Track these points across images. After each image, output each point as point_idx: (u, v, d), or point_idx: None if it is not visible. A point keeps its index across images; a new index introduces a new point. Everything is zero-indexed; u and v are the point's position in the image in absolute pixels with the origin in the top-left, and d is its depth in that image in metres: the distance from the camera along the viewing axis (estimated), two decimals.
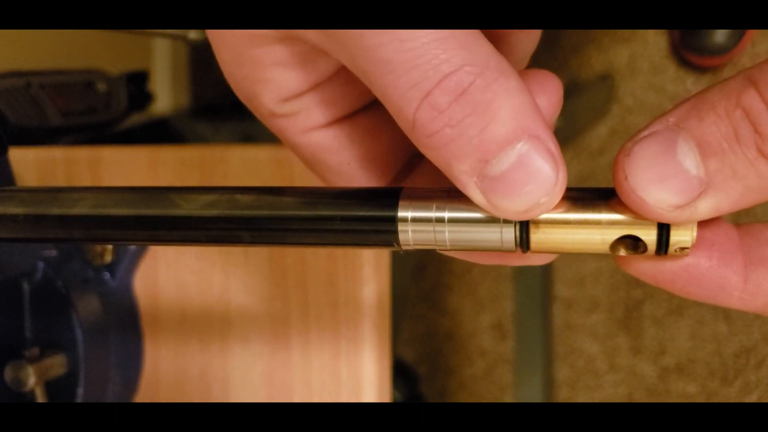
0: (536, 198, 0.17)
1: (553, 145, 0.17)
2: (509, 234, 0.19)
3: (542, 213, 0.18)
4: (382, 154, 0.24)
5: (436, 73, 0.16)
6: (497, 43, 0.24)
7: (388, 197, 0.19)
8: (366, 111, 0.24)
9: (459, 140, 0.17)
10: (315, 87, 0.22)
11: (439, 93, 0.16)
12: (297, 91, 0.21)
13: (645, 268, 0.19)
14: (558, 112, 0.23)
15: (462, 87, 0.16)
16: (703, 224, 0.18)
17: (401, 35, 0.16)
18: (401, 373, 1.08)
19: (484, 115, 0.16)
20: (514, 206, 0.17)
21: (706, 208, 0.17)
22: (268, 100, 0.21)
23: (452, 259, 0.25)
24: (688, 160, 0.16)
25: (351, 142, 0.23)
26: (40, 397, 0.39)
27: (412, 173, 0.25)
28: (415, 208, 0.19)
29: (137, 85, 0.74)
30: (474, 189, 0.17)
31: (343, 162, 0.23)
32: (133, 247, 0.44)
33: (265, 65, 0.20)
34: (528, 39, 0.23)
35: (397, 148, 0.24)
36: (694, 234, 0.18)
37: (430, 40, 0.16)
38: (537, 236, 0.18)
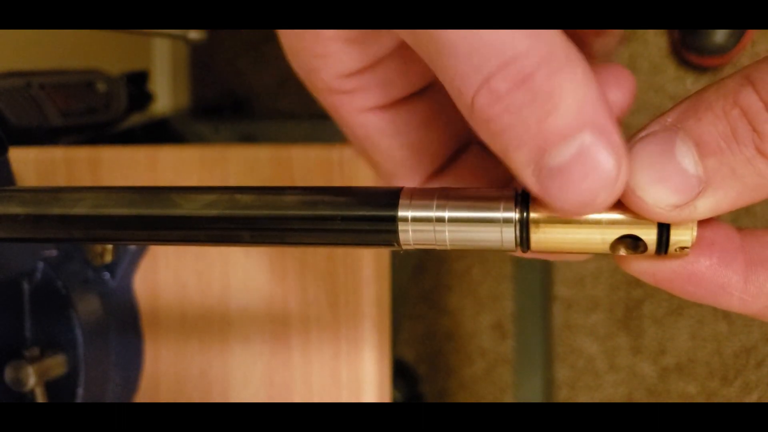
0: (594, 194, 0.16)
1: (618, 138, 0.16)
2: (509, 234, 0.19)
3: (599, 211, 0.17)
4: (433, 142, 0.23)
5: (499, 59, 0.16)
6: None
7: (388, 197, 0.19)
8: (422, 96, 0.23)
9: (517, 128, 0.16)
10: (375, 65, 0.21)
11: (500, 78, 0.16)
12: (357, 67, 0.21)
13: (645, 268, 0.19)
14: (629, 107, 0.23)
15: (524, 74, 0.16)
16: (703, 224, 0.18)
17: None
18: (401, 373, 1.08)
19: (546, 105, 0.16)
20: (570, 200, 0.17)
21: (705, 207, 0.17)
22: (327, 75, 0.21)
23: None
24: (687, 159, 0.16)
25: (405, 127, 0.23)
26: (40, 397, 0.39)
27: (456, 164, 0.24)
28: (415, 208, 0.19)
29: (137, 85, 0.74)
30: (531, 179, 0.17)
31: (395, 146, 0.23)
32: (133, 247, 0.44)
33: (324, 39, 0.20)
34: (603, 39, 0.23)
35: (449, 137, 0.24)
36: (694, 233, 0.18)
37: (497, 31, 0.16)
38: (537, 236, 0.18)
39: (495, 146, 0.17)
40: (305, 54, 0.21)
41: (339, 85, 0.21)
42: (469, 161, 0.24)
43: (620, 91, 0.22)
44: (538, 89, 0.16)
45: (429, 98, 0.23)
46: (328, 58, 0.20)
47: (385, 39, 0.21)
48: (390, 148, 0.23)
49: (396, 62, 0.22)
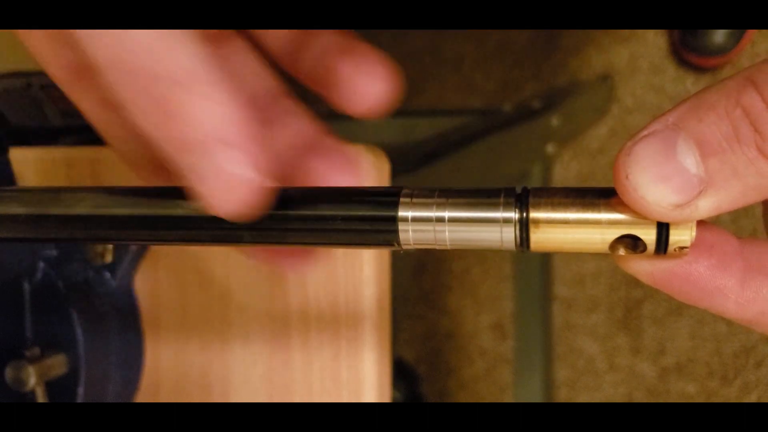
0: (230, 196, 0.19)
1: (247, 146, 0.19)
2: (509, 233, 0.19)
3: (241, 206, 0.19)
4: None
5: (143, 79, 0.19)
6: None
7: (388, 197, 0.19)
8: None
9: (160, 131, 0.19)
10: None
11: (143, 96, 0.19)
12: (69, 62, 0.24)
13: (643, 268, 0.19)
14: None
15: (158, 87, 0.18)
16: (702, 227, 0.18)
17: (118, 43, 0.19)
18: (401, 373, 1.08)
19: (176, 117, 0.18)
20: (213, 200, 0.19)
21: (706, 206, 0.17)
22: (53, 68, 0.24)
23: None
24: (688, 159, 0.16)
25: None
26: (41, 397, 0.39)
27: None
28: (415, 208, 0.19)
29: None
30: (183, 171, 0.19)
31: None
32: (133, 247, 0.44)
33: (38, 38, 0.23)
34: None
35: None
36: (693, 234, 0.18)
37: (143, 49, 0.18)
38: (537, 236, 0.19)
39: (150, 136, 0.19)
40: (32, 51, 0.24)
41: (65, 76, 0.24)
42: None
43: (345, 174, 0.24)
44: (170, 106, 0.18)
45: None
46: (46, 54, 0.23)
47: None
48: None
49: None
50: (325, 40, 0.25)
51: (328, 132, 0.25)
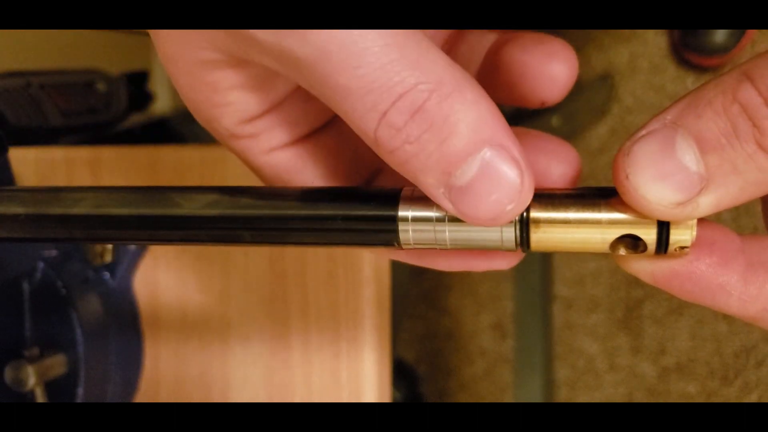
0: (502, 206, 0.17)
1: (517, 151, 0.17)
2: (509, 233, 0.19)
3: (510, 219, 0.18)
4: (345, 171, 0.24)
5: (390, 95, 0.17)
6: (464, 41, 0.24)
7: (388, 197, 0.19)
8: (327, 129, 0.24)
9: (420, 155, 0.17)
10: (275, 107, 0.22)
11: (395, 112, 0.17)
12: (256, 112, 0.22)
13: (644, 267, 0.19)
14: (575, 180, 0.23)
15: (416, 105, 0.17)
16: (703, 225, 0.18)
17: (352, 62, 0.17)
18: (401, 373, 1.08)
19: (442, 130, 0.17)
20: (482, 214, 0.17)
21: (707, 203, 0.17)
22: (227, 123, 0.22)
23: None
24: (688, 156, 0.16)
25: (314, 161, 0.24)
26: (40, 397, 0.39)
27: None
28: (415, 208, 0.19)
29: (137, 85, 0.74)
30: (443, 199, 0.18)
31: (307, 181, 0.24)
32: (132, 247, 0.44)
33: (221, 89, 0.21)
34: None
35: (359, 164, 0.24)
36: (694, 233, 0.18)
37: (382, 64, 0.17)
38: (537, 235, 0.19)
39: (405, 174, 0.18)
40: (204, 105, 0.21)
41: (241, 130, 0.22)
42: (387, 180, 0.25)
43: (562, 164, 0.23)
44: (433, 117, 0.17)
45: (334, 129, 0.24)
46: (227, 107, 0.21)
47: (282, 83, 0.21)
48: (303, 183, 0.24)
49: (296, 102, 0.22)
50: (479, 38, 0.24)
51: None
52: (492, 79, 0.24)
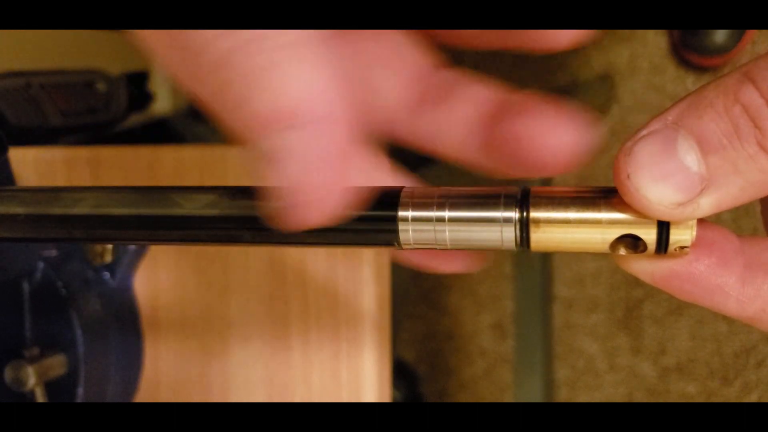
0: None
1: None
2: (509, 233, 0.19)
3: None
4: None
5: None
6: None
7: (388, 197, 0.19)
8: None
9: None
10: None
11: None
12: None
13: (644, 267, 0.19)
14: (565, 159, 0.21)
15: None
16: (702, 226, 0.18)
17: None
18: (401, 373, 1.08)
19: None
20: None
21: (708, 204, 0.17)
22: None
23: None
24: (689, 157, 0.16)
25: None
26: (40, 397, 0.39)
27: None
28: (415, 208, 0.19)
29: (137, 85, 0.74)
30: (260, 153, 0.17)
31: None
32: (132, 247, 0.44)
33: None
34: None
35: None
36: (694, 233, 0.18)
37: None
38: (537, 235, 0.18)
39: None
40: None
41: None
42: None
43: (568, 131, 0.21)
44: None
45: None
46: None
47: None
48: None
49: None
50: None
51: (515, 91, 0.22)
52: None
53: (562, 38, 0.21)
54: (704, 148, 0.16)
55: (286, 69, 0.16)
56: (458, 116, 0.23)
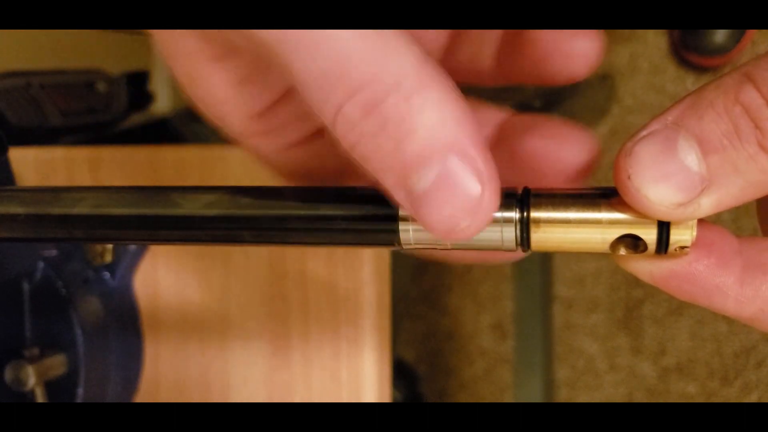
0: (456, 220, 0.16)
1: (482, 162, 0.16)
2: (510, 233, 0.19)
3: (468, 237, 0.17)
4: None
5: (346, 89, 0.16)
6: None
7: (389, 196, 0.19)
8: None
9: (377, 154, 0.16)
10: (281, 102, 0.21)
11: (351, 107, 0.16)
12: (260, 107, 0.21)
13: (643, 267, 0.19)
14: (590, 168, 0.22)
15: (374, 101, 0.16)
16: (702, 227, 0.18)
17: (310, 50, 0.16)
18: (401, 373, 1.08)
19: (398, 131, 0.16)
20: (436, 226, 0.16)
21: (708, 204, 0.17)
22: (234, 119, 0.21)
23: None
24: (689, 157, 0.16)
25: (333, 156, 0.22)
26: (40, 397, 0.39)
27: None
28: None
29: (137, 85, 0.74)
30: (404, 202, 0.17)
31: (328, 178, 0.23)
32: (133, 247, 0.44)
33: (219, 83, 0.20)
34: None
35: None
36: (694, 233, 0.18)
37: (340, 56, 0.16)
38: (537, 235, 0.19)
39: (366, 169, 0.17)
40: (210, 102, 0.21)
41: (251, 127, 0.21)
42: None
43: (574, 148, 0.22)
44: (390, 115, 0.16)
45: None
46: (229, 103, 0.20)
47: (274, 77, 0.21)
48: (325, 178, 0.23)
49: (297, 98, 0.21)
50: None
51: (521, 113, 0.23)
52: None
53: (578, 70, 0.22)
54: (705, 148, 0.16)
55: (422, 114, 0.16)
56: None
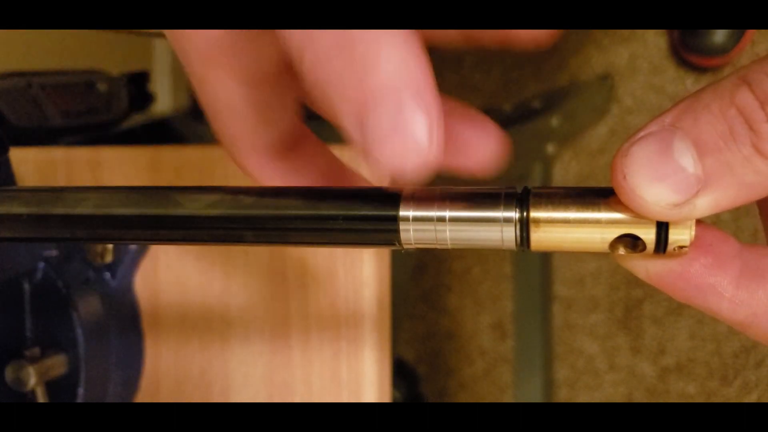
0: (404, 158, 0.16)
1: (434, 107, 0.17)
2: (510, 233, 0.19)
3: (413, 175, 0.17)
4: (282, 120, 0.25)
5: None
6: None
7: (389, 196, 0.19)
8: (279, 75, 0.24)
9: (338, 86, 0.17)
10: (237, 36, 0.22)
11: (322, 38, 0.17)
12: (219, 36, 0.22)
13: (642, 266, 0.19)
14: (492, 162, 0.24)
15: (345, 37, 0.17)
16: (702, 228, 0.19)
17: None
18: (401, 373, 1.08)
19: (364, 64, 0.16)
20: (384, 160, 0.17)
21: (704, 204, 0.17)
22: (193, 43, 0.22)
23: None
24: (685, 158, 0.16)
25: (264, 103, 0.24)
26: (41, 397, 0.39)
27: (296, 151, 0.26)
28: (416, 207, 0.19)
29: (138, 85, 0.74)
30: (356, 134, 0.17)
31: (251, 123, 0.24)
32: (133, 247, 0.45)
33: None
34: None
35: (295, 120, 0.25)
36: (692, 233, 0.18)
37: None
38: (537, 235, 0.19)
39: (324, 102, 0.17)
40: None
41: (207, 53, 0.22)
42: (308, 150, 0.26)
43: (484, 135, 0.23)
44: (357, 51, 0.17)
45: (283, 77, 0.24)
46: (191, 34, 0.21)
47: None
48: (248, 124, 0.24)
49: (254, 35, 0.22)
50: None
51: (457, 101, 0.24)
52: None
53: (540, 36, 0.22)
54: (700, 149, 0.16)
55: (386, 50, 0.17)
56: None
